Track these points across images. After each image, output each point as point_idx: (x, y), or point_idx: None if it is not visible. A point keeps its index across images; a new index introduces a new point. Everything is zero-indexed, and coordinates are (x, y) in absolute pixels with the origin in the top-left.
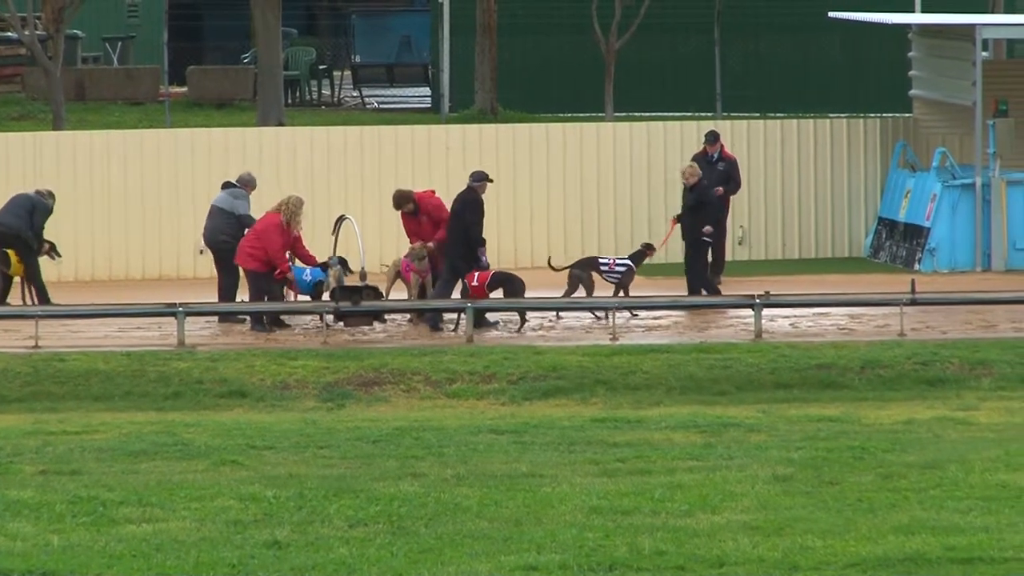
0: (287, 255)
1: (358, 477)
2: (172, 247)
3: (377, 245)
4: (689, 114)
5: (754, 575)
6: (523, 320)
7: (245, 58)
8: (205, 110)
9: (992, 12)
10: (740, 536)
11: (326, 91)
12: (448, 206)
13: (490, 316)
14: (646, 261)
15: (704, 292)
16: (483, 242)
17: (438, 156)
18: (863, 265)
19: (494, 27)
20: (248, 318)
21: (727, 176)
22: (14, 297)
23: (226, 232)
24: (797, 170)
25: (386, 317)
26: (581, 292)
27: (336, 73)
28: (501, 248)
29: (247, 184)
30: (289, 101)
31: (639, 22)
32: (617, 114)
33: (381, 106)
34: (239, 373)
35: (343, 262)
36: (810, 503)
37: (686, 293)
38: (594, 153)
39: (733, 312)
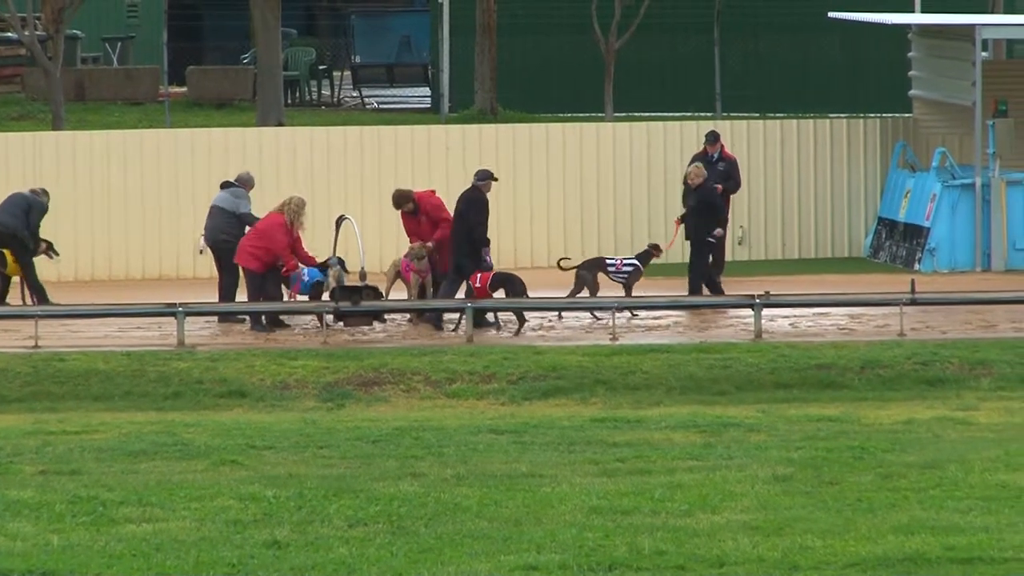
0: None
1: (358, 477)
2: (172, 247)
3: (377, 245)
4: (689, 114)
5: (754, 575)
6: (522, 321)
7: (245, 58)
8: (205, 110)
9: (992, 12)
10: (740, 536)
11: (326, 91)
12: (448, 206)
13: (490, 316)
14: (652, 262)
15: (708, 292)
16: (487, 242)
17: (438, 156)
18: (863, 265)
19: (494, 27)
20: (248, 318)
21: (727, 176)
22: (13, 297)
23: (227, 231)
24: (797, 170)
25: (386, 317)
26: (585, 292)
27: (336, 73)
28: (501, 248)
29: (246, 183)
30: (289, 101)
31: (639, 22)
32: (617, 114)
33: (381, 106)
34: (239, 373)
35: (340, 262)
36: (810, 503)
37: (687, 293)
38: (594, 153)
39: (733, 312)
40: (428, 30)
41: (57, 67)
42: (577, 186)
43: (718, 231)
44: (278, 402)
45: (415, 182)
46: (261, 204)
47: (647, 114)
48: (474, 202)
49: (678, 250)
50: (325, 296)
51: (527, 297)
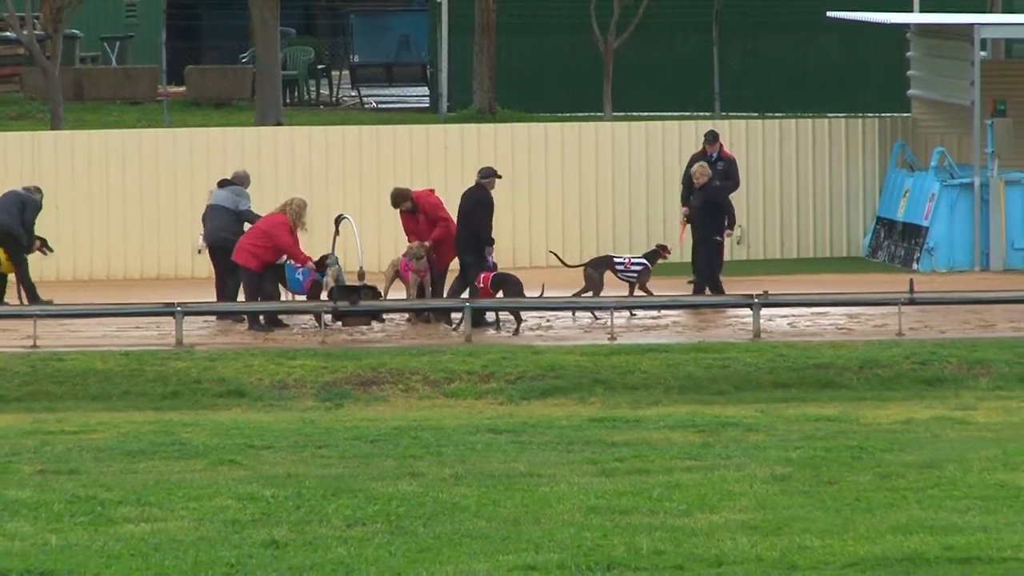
0: (283, 256)
1: (356, 477)
2: (170, 247)
3: (376, 244)
4: (688, 114)
5: (752, 575)
6: (519, 321)
7: (243, 58)
8: (203, 110)
9: (990, 12)
10: (738, 535)
11: (324, 91)
12: (447, 205)
13: (489, 316)
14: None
15: (708, 291)
16: (492, 242)
17: (436, 156)
18: (861, 265)
19: (492, 27)
20: (246, 318)
21: (726, 175)
22: (11, 297)
23: (229, 230)
24: (795, 170)
25: (384, 317)
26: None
27: (335, 73)
28: (500, 248)
29: (243, 181)
30: (287, 101)
31: (637, 22)
32: (616, 114)
33: (379, 106)
34: (237, 373)
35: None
36: (808, 503)
37: (687, 293)
38: (593, 153)
39: (731, 312)
40: (427, 29)
41: (56, 66)
42: (576, 186)
43: (728, 232)
44: (276, 402)
45: (414, 182)
46: (260, 204)
47: (646, 114)
48: (481, 202)
49: (679, 251)
50: (324, 296)
51: (524, 297)
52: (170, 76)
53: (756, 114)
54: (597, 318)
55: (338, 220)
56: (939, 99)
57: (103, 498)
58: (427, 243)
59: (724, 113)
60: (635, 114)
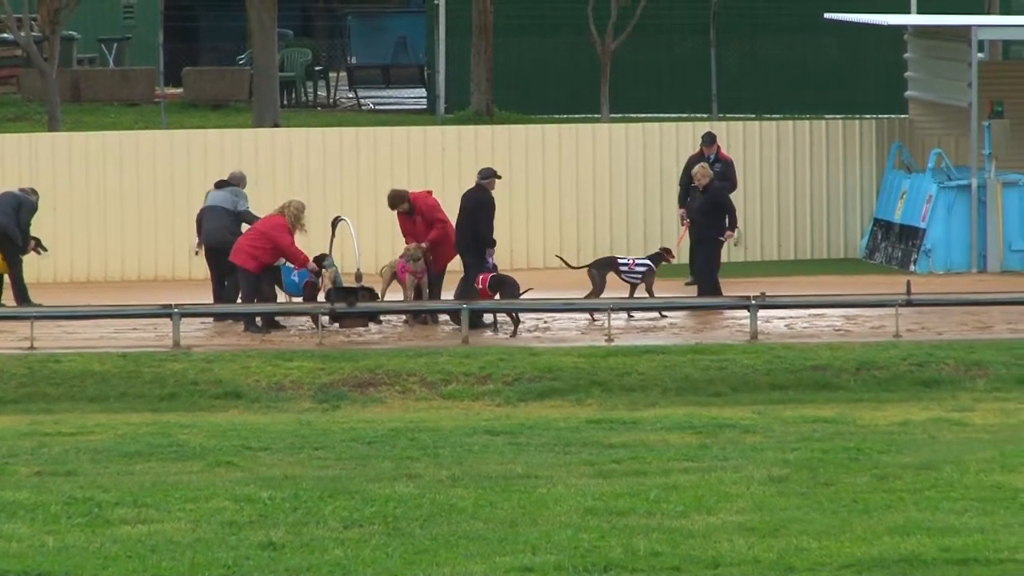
0: (280, 258)
1: (353, 478)
2: (168, 248)
3: (373, 246)
4: (685, 115)
5: None
6: (516, 322)
7: (241, 59)
8: (201, 111)
9: (988, 13)
10: (735, 537)
11: (322, 92)
12: (444, 207)
13: (487, 317)
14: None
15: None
16: (494, 243)
17: (434, 157)
18: (858, 266)
19: (490, 28)
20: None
21: (723, 177)
22: (7, 297)
23: (229, 230)
24: (793, 171)
25: (381, 318)
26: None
27: (332, 74)
28: (497, 249)
29: (240, 181)
30: (285, 102)
31: (635, 23)
32: (613, 115)
33: (377, 107)
34: (234, 374)
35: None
36: (805, 504)
37: (684, 295)
38: (590, 154)
39: (729, 313)
40: (424, 31)
41: (53, 68)
42: (573, 187)
43: (729, 233)
44: (273, 403)
45: (411, 183)
46: (257, 205)
47: (643, 115)
48: (482, 203)
49: (678, 251)
50: (321, 297)
51: (520, 299)
52: (167, 78)
53: (753, 115)
54: (595, 320)
55: (335, 222)
56: (936, 100)
57: (100, 499)
58: (424, 245)
59: (721, 114)
60: (632, 115)
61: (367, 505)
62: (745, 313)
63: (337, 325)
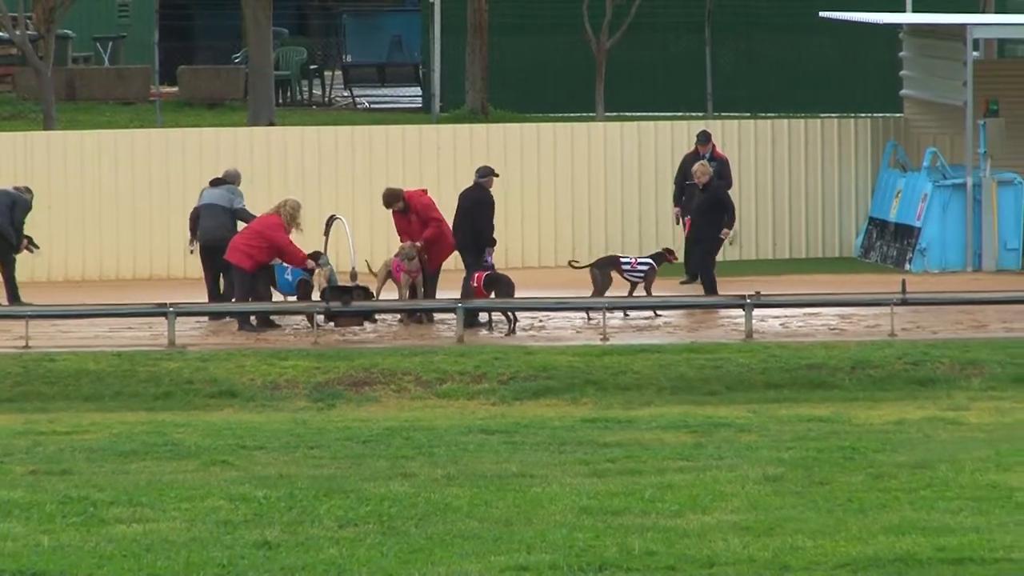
0: (275, 257)
1: (348, 477)
2: (163, 247)
3: (368, 245)
4: (680, 114)
5: (744, 575)
6: (512, 321)
7: (236, 58)
8: (196, 110)
9: (983, 12)
10: (730, 536)
11: (317, 91)
12: (439, 205)
13: (482, 316)
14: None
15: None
16: (494, 242)
17: (429, 156)
18: (853, 265)
19: (485, 27)
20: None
21: (719, 175)
22: (2, 297)
23: (227, 228)
24: (788, 170)
25: (376, 317)
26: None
27: (327, 73)
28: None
29: (235, 179)
30: (280, 101)
31: (630, 21)
32: (608, 114)
33: (372, 106)
34: (229, 373)
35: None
36: (800, 503)
37: (679, 294)
38: (585, 153)
39: (724, 312)
40: (419, 30)
41: (48, 67)
42: (568, 186)
43: (726, 231)
44: (268, 402)
45: (406, 182)
46: (252, 204)
47: (638, 114)
48: (481, 202)
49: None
50: (315, 296)
51: (515, 297)
52: (162, 76)
53: (748, 114)
54: (591, 319)
55: (329, 221)
56: (932, 99)
57: (95, 499)
58: (419, 243)
59: (716, 113)
60: (627, 114)
61: (362, 504)
62: (740, 312)
63: (332, 324)
